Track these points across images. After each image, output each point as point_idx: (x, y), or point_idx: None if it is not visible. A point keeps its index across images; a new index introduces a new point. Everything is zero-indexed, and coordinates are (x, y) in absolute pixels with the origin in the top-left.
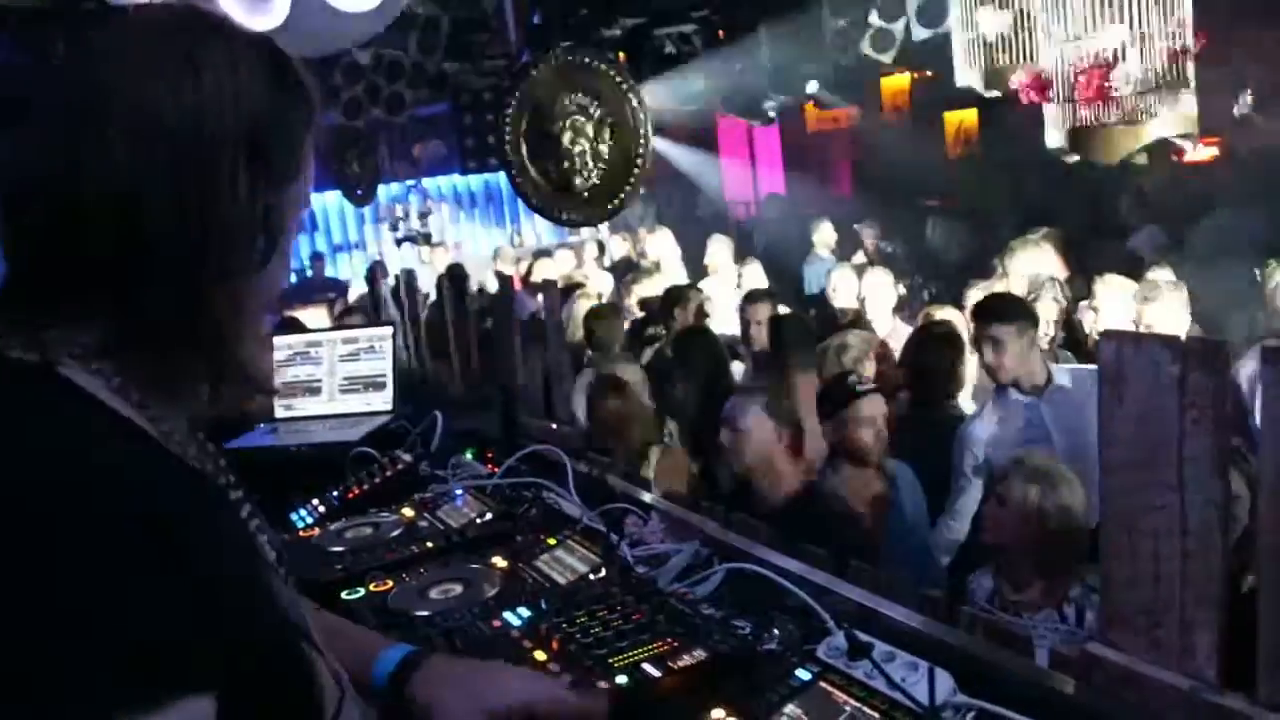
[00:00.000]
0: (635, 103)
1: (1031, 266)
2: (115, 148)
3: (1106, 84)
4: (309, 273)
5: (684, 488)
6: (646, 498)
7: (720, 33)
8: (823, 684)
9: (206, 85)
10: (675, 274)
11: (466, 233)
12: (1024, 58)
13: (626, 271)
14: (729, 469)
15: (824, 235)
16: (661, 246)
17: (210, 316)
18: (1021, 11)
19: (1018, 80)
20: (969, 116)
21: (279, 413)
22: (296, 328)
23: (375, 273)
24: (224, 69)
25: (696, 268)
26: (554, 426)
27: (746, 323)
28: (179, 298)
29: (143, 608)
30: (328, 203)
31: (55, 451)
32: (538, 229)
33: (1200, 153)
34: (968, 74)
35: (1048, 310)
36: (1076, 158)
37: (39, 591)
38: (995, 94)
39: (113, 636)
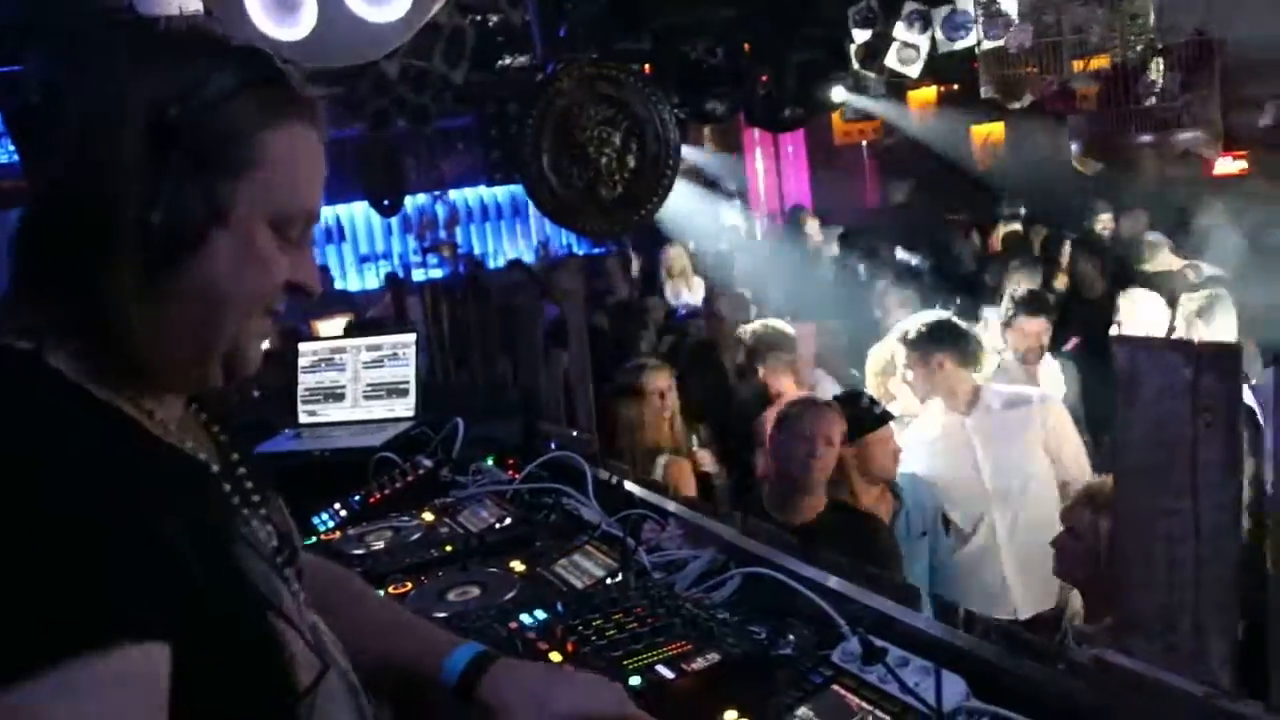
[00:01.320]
0: (663, 114)
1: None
2: (42, 151)
3: (1130, 95)
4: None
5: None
6: (665, 504)
7: (746, 45)
8: (836, 687)
9: (106, 74)
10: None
11: (493, 244)
12: (1047, 69)
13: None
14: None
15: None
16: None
17: (167, 307)
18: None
19: (1041, 91)
20: (996, 129)
21: (303, 418)
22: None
23: (398, 282)
24: (123, 56)
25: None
26: (574, 433)
27: None
28: (134, 290)
29: (87, 557)
30: (355, 213)
31: (31, 428)
32: (565, 241)
33: (1229, 165)
34: (992, 87)
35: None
36: (1100, 167)
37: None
38: (1020, 105)
39: (58, 581)
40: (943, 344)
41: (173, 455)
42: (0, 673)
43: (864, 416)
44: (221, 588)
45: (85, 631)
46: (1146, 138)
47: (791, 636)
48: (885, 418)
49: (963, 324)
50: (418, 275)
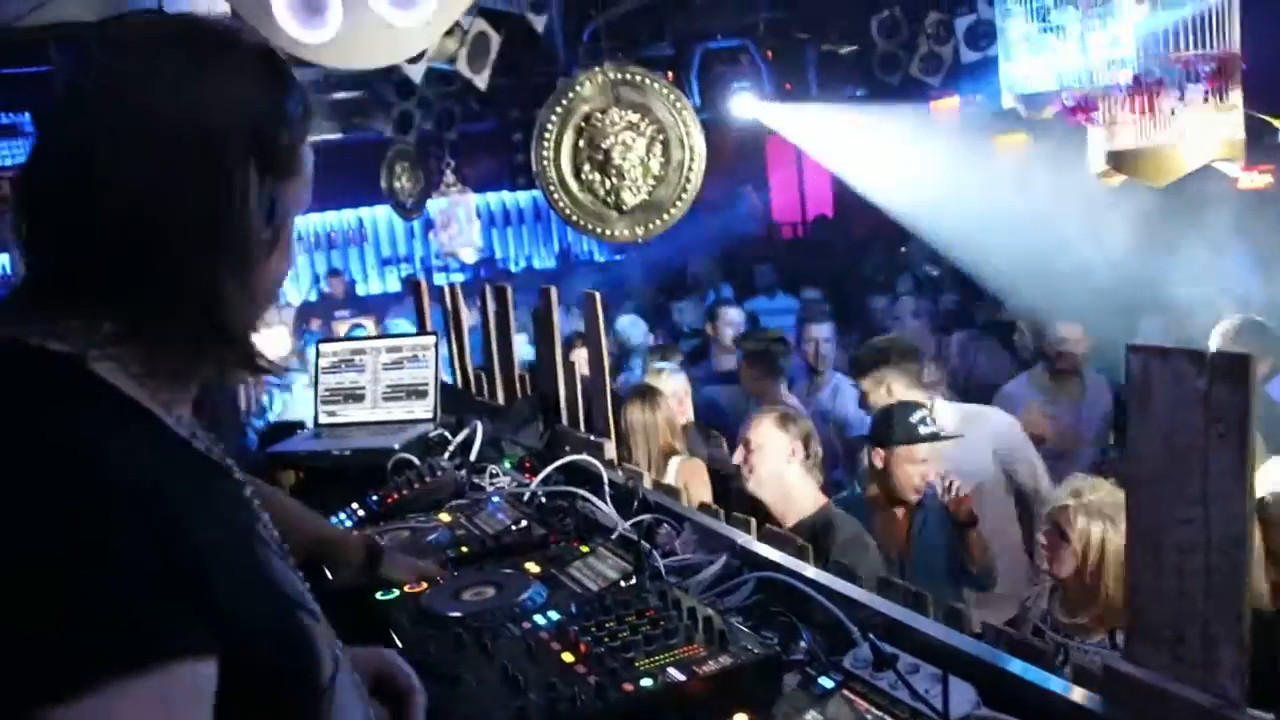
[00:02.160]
0: (688, 120)
1: None
2: (124, 152)
3: (1150, 106)
4: (325, 288)
5: (705, 498)
6: (680, 509)
7: (769, 52)
8: (845, 692)
9: (209, 87)
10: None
11: (514, 249)
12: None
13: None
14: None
15: None
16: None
17: (224, 305)
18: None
19: (1062, 102)
20: (1019, 140)
21: (322, 419)
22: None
23: (418, 285)
24: (226, 72)
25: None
26: (591, 438)
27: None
28: (194, 289)
29: (132, 574)
30: (377, 216)
31: (72, 435)
32: (588, 246)
33: (1255, 179)
34: (1012, 97)
35: None
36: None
37: (45, 559)
38: (1041, 116)
39: (104, 600)
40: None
41: (200, 460)
42: (52, 690)
43: (904, 428)
44: (256, 591)
45: (135, 651)
46: (1168, 150)
47: (803, 642)
48: (926, 438)
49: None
50: (439, 279)
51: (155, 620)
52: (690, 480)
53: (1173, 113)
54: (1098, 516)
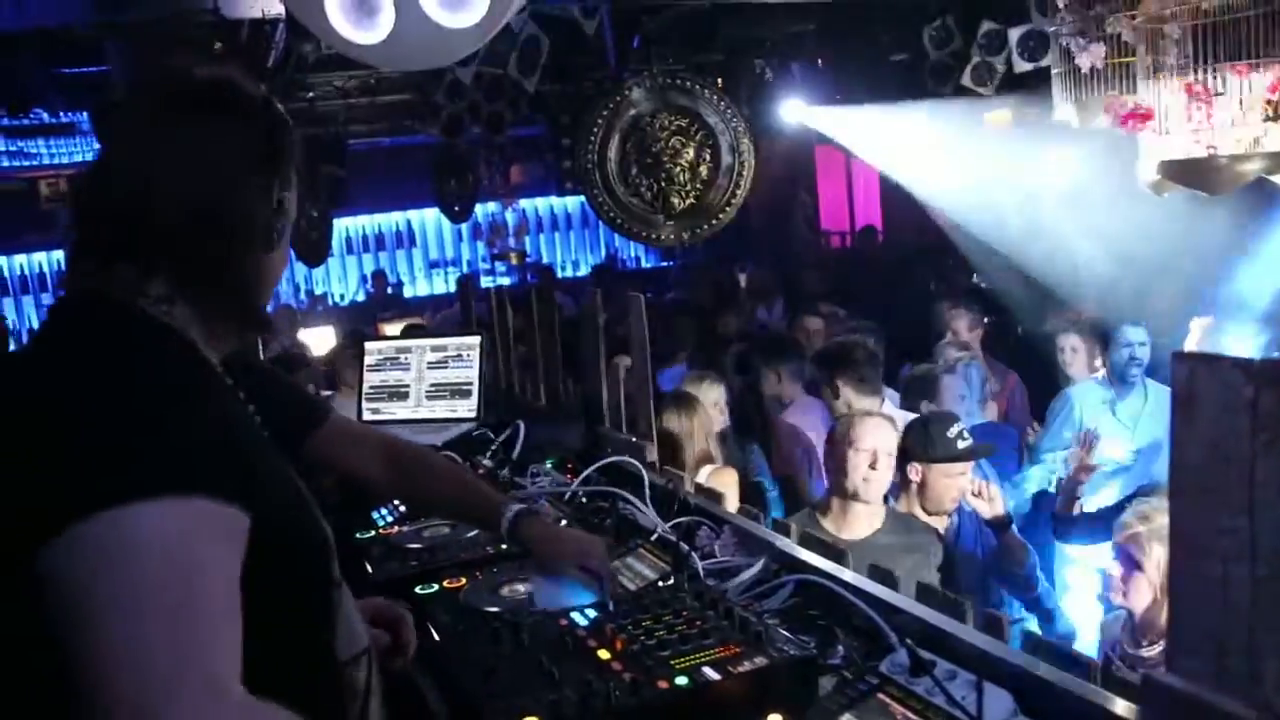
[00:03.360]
0: (738, 126)
1: None
2: (177, 169)
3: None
4: (370, 288)
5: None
6: (721, 513)
7: (819, 61)
8: (881, 696)
9: (229, 129)
10: None
11: (561, 254)
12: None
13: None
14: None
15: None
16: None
17: (245, 280)
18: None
19: (1116, 112)
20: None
21: (366, 415)
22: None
23: (466, 286)
24: (253, 114)
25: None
26: (633, 440)
27: None
28: (225, 266)
29: (199, 436)
30: (426, 219)
31: (154, 361)
32: (634, 253)
33: None
34: (1064, 108)
35: None
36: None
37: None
38: (1094, 127)
39: (178, 438)
40: None
41: (229, 389)
42: (100, 499)
43: (944, 445)
44: (279, 479)
45: (161, 479)
46: (1223, 160)
47: (840, 646)
48: (965, 453)
49: None
50: (485, 282)
51: (187, 462)
52: (721, 489)
53: (1232, 123)
54: (1161, 539)
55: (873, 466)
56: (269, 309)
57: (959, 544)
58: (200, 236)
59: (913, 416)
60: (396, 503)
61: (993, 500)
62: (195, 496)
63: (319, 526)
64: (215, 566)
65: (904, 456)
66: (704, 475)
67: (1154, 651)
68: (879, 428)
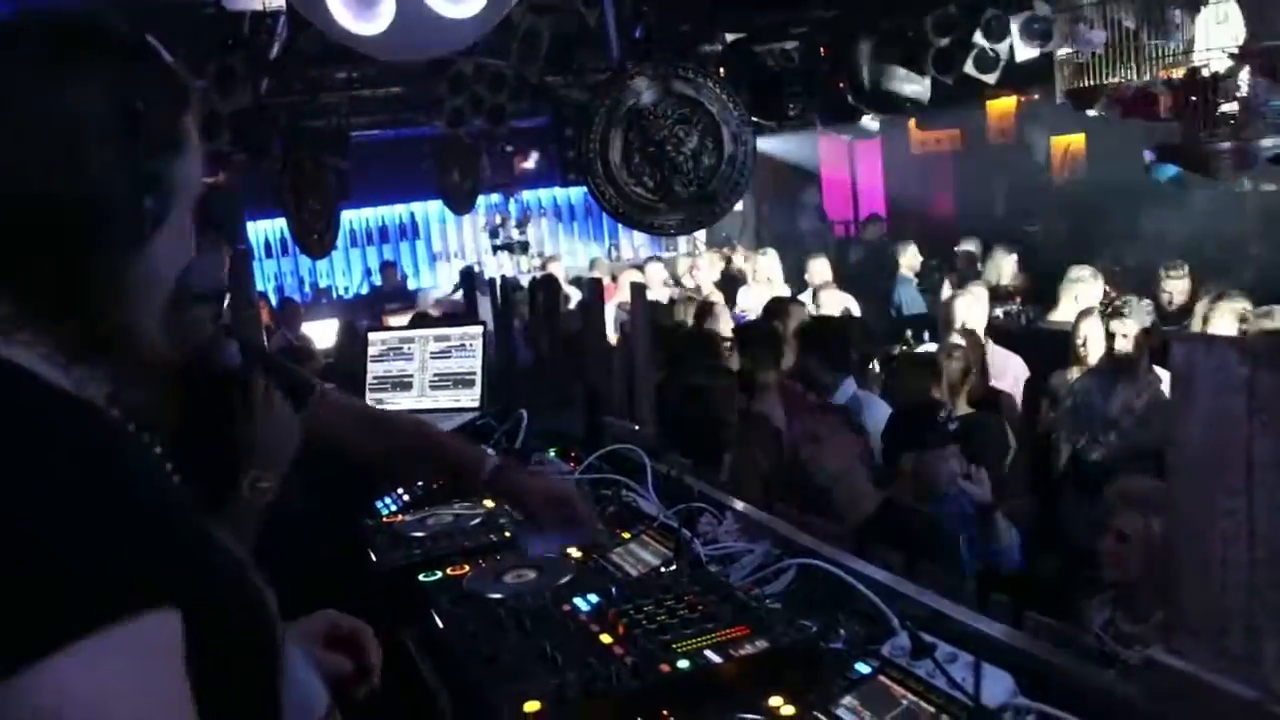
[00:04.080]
0: (739, 116)
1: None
2: (22, 153)
3: (1212, 101)
4: (377, 281)
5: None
6: (723, 499)
7: (822, 50)
8: (882, 678)
9: (66, 73)
10: (781, 290)
11: (564, 244)
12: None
13: (730, 285)
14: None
15: (909, 258)
16: (769, 263)
17: (114, 283)
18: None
19: (1119, 98)
20: (1076, 140)
21: None
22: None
23: (470, 278)
24: (85, 59)
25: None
26: (635, 427)
27: None
28: (61, 269)
29: (95, 534)
30: (429, 211)
31: (21, 433)
32: (635, 243)
33: None
34: (1068, 94)
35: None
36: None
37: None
38: (1097, 113)
39: (72, 560)
40: None
41: (132, 439)
42: (25, 651)
43: (936, 431)
44: (209, 552)
45: (106, 603)
46: (1226, 145)
47: (842, 630)
48: (956, 435)
49: None
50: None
51: (115, 576)
52: (743, 477)
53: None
54: (1153, 510)
55: None
56: (282, 304)
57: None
58: (34, 232)
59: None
60: (400, 492)
61: (981, 483)
62: (135, 616)
63: (258, 593)
64: (166, 679)
65: (899, 447)
66: (726, 464)
67: (1143, 628)
68: None
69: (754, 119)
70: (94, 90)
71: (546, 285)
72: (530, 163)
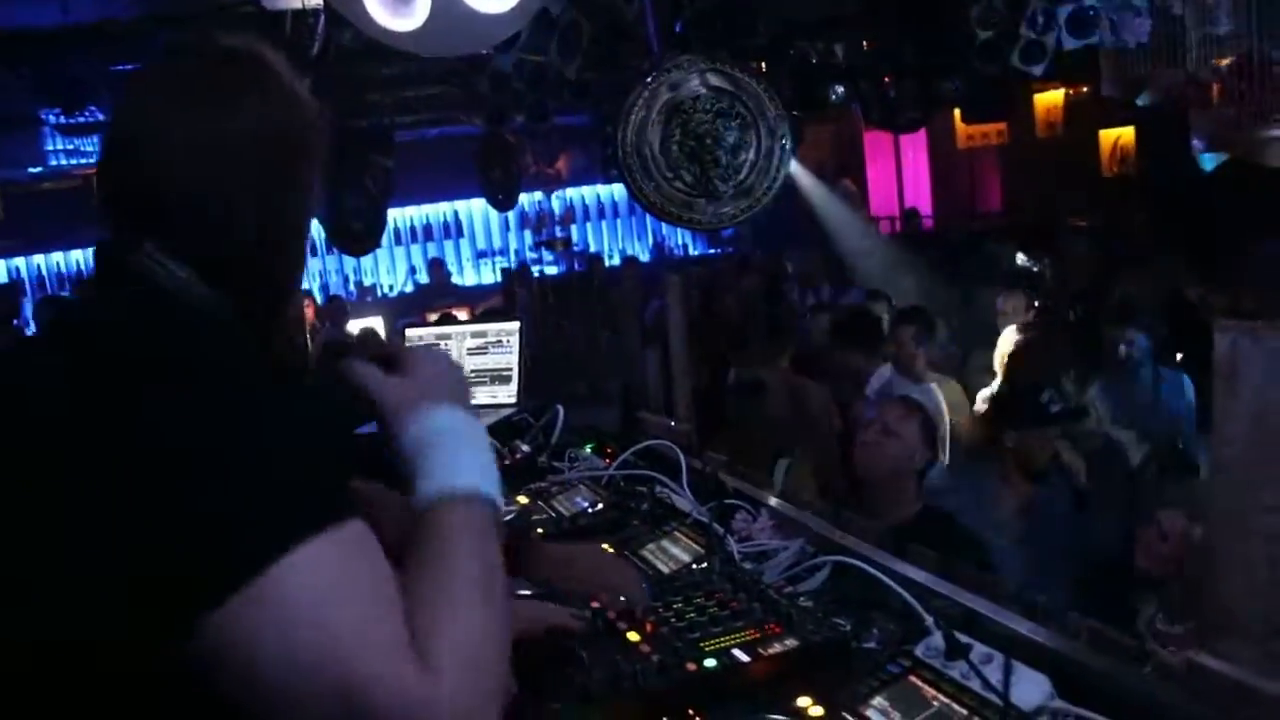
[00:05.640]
0: (778, 110)
1: None
2: (212, 151)
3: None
4: (423, 279)
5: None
6: (758, 496)
7: (865, 43)
8: (913, 678)
9: (276, 108)
10: None
11: (608, 242)
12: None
13: None
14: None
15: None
16: None
17: (290, 263)
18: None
19: (1165, 87)
20: (1126, 134)
21: None
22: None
23: (512, 276)
24: (290, 96)
25: None
26: (672, 423)
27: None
28: (265, 253)
29: (316, 453)
30: (473, 209)
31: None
32: (683, 239)
33: None
34: (1114, 84)
35: None
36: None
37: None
38: (1144, 103)
39: (291, 479)
40: None
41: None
42: (275, 544)
43: (1033, 409)
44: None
45: (329, 511)
46: (1274, 132)
47: (875, 629)
48: (1055, 417)
49: None
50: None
51: (328, 489)
52: (799, 486)
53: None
54: (1199, 517)
55: None
56: (329, 301)
57: (1044, 512)
58: (240, 225)
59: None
60: None
61: (1079, 471)
62: (347, 522)
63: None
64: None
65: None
66: (780, 470)
67: (1183, 630)
68: None
69: (794, 113)
70: (294, 124)
71: (585, 282)
72: (572, 160)
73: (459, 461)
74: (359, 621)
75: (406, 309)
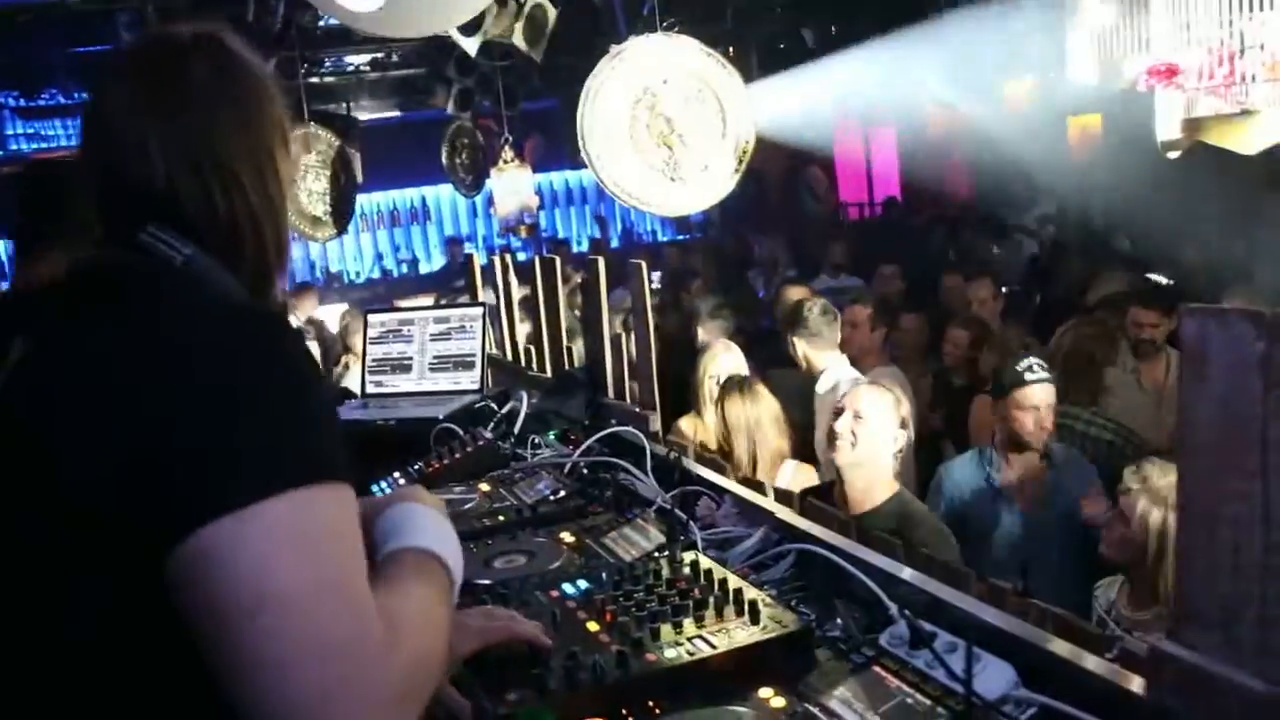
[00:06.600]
0: (745, 93)
1: None
2: (194, 129)
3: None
4: (389, 265)
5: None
6: (722, 483)
7: (833, 29)
8: (877, 668)
9: (244, 93)
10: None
11: (576, 228)
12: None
13: None
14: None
15: None
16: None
17: (276, 241)
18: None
19: (1133, 71)
20: (1093, 121)
21: (369, 389)
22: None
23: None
24: (256, 81)
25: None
26: (636, 410)
27: None
28: (268, 229)
29: (325, 417)
30: (441, 195)
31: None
32: (651, 225)
33: None
34: (1081, 68)
35: None
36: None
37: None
38: (1110, 89)
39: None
40: None
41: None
42: (288, 481)
43: (1011, 376)
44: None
45: (331, 469)
46: (1239, 114)
47: (839, 618)
48: (1033, 382)
49: None
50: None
51: (338, 449)
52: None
53: (1253, 79)
54: (1160, 502)
55: None
56: (297, 287)
57: (1057, 495)
58: (225, 208)
59: None
60: (397, 476)
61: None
62: (345, 485)
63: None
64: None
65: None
66: (787, 472)
67: (1147, 615)
68: None
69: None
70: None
71: (547, 266)
72: (539, 146)
73: (425, 531)
74: (341, 568)
75: (382, 295)
